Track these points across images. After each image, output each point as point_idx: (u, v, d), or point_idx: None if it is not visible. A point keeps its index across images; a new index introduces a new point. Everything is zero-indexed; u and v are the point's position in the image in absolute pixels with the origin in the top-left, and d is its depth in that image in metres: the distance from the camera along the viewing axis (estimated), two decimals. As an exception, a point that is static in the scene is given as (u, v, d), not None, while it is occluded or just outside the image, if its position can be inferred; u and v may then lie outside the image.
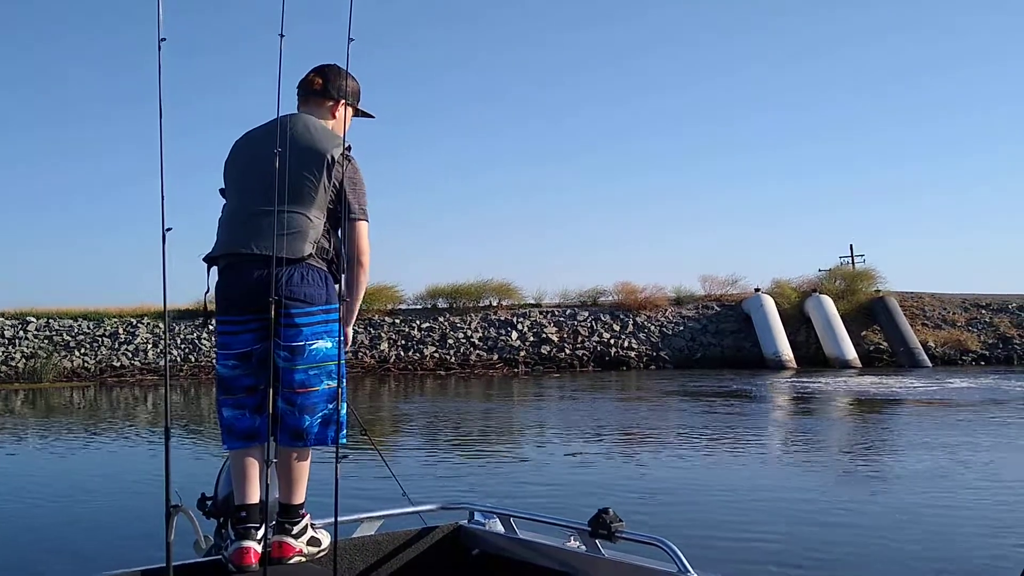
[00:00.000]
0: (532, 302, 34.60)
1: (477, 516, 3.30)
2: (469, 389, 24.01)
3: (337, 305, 2.97)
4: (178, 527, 2.47)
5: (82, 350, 30.99)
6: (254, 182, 2.96)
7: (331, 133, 3.04)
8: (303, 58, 3.24)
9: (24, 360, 30.17)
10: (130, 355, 30.67)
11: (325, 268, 2.99)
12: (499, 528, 3.20)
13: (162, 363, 29.93)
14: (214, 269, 3.06)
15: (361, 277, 3.09)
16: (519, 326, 32.50)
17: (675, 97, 61.62)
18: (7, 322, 31.94)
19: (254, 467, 2.91)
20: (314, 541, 2.95)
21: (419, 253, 55.13)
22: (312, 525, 2.98)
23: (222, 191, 3.14)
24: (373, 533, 3.15)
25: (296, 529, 2.91)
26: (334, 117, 3.16)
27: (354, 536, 3.10)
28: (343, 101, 3.16)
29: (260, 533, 2.81)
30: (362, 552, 3.05)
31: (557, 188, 60.45)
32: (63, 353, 30.63)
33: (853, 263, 37.03)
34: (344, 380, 2.97)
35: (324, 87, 3.14)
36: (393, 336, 32.08)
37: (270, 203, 2.81)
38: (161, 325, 30.84)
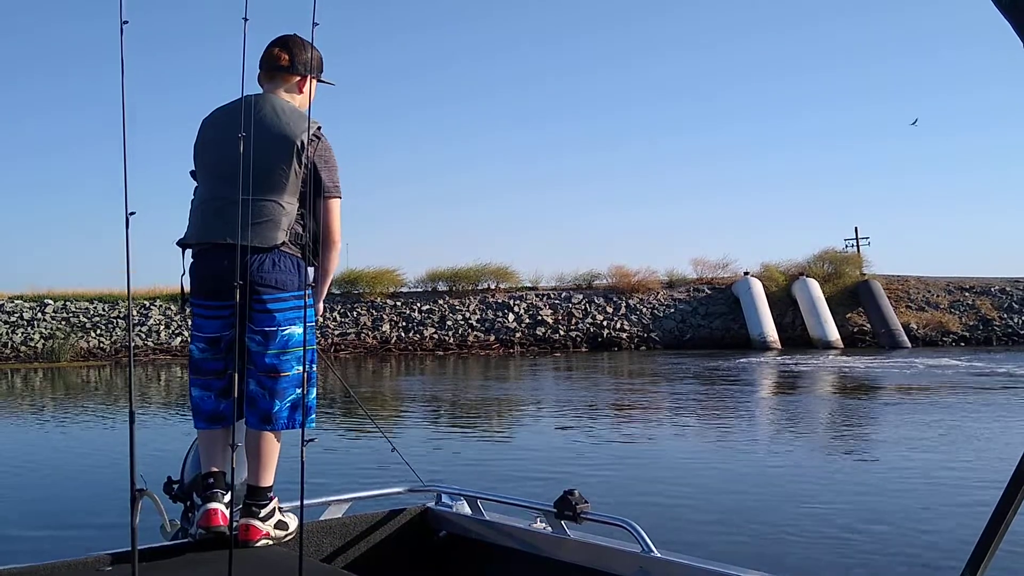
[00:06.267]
0: (529, 285, 34.54)
1: (444, 498, 3.21)
2: (467, 369, 23.95)
3: (309, 291, 2.86)
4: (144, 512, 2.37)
5: (98, 331, 30.96)
6: (224, 168, 2.83)
7: (299, 115, 2.88)
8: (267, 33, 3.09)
9: (42, 341, 30.16)
10: (143, 336, 30.60)
11: (299, 254, 2.89)
12: (466, 510, 3.12)
13: (174, 343, 29.87)
14: (188, 251, 2.96)
15: (332, 254, 3.00)
16: (516, 308, 32.42)
17: (678, 77, 60.76)
18: (26, 304, 31.91)
19: (221, 444, 2.83)
20: (281, 524, 2.85)
21: (420, 237, 55.00)
22: (280, 508, 2.88)
23: (193, 173, 3.02)
24: (341, 516, 3.06)
25: (263, 512, 2.81)
26: (301, 92, 3.01)
27: (322, 519, 3.01)
28: (309, 75, 3.01)
29: (227, 498, 2.72)
30: (329, 535, 2.96)
31: (558, 172, 60.03)
32: (79, 334, 30.60)
33: (858, 246, 36.54)
34: (314, 366, 2.88)
35: (291, 63, 2.98)
36: (394, 318, 32.03)
37: (239, 191, 2.69)
38: (173, 307, 30.76)
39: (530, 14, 63.15)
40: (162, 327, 30.87)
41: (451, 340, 31.12)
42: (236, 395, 2.68)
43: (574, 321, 31.99)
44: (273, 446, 2.86)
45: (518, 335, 31.36)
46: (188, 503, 2.83)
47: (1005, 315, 31.97)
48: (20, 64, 55.65)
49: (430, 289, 34.17)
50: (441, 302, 32.84)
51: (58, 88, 56.74)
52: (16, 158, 53.72)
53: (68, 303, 32.16)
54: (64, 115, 57.29)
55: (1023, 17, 1.16)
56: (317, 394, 3.00)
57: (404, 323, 31.89)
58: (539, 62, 62.48)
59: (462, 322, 31.94)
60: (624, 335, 31.38)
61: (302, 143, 2.83)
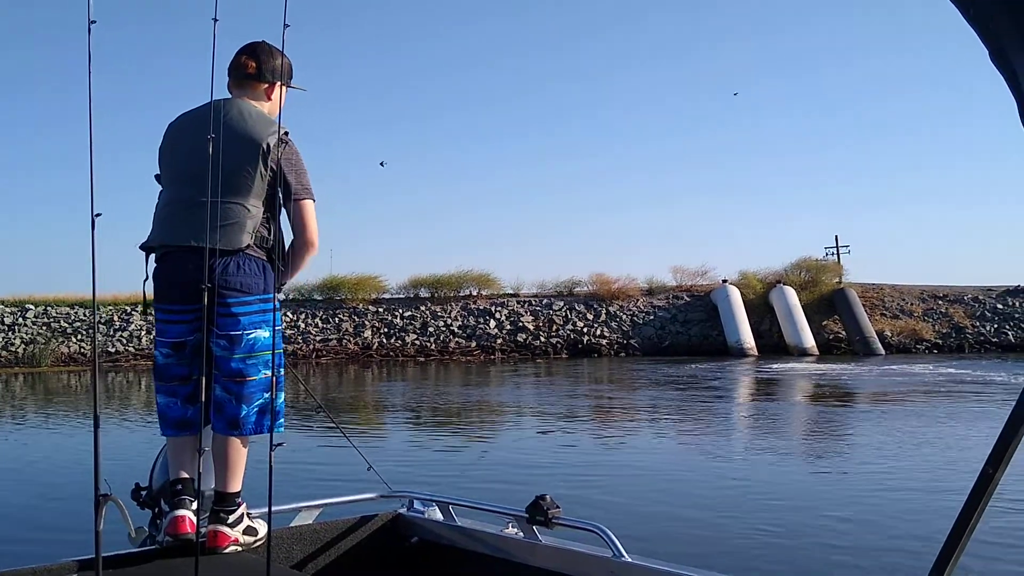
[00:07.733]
0: (510, 292, 34.45)
1: (416, 504, 3.16)
2: (448, 375, 23.87)
3: (273, 295, 2.80)
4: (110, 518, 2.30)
5: (79, 336, 30.61)
6: (189, 171, 2.78)
7: (266, 119, 2.85)
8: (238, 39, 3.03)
9: (23, 346, 29.83)
10: (124, 341, 30.33)
11: (264, 257, 2.83)
12: (438, 516, 3.07)
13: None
14: (152, 256, 2.89)
15: (306, 255, 2.95)
16: (497, 315, 32.37)
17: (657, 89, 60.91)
18: (6, 309, 31.54)
19: (189, 450, 2.77)
20: (250, 530, 2.79)
21: (402, 244, 54.80)
22: (249, 515, 2.82)
23: (157, 177, 2.96)
24: (311, 522, 3.00)
25: (232, 518, 2.75)
26: (270, 99, 2.95)
27: (291, 525, 2.95)
28: (278, 82, 2.96)
29: (195, 505, 2.66)
30: (299, 541, 2.90)
31: (539, 178, 60.03)
32: (60, 339, 30.27)
33: (839, 254, 36.62)
34: (281, 370, 2.82)
35: (258, 70, 2.93)
36: (376, 324, 31.90)
37: (205, 193, 2.63)
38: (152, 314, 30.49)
39: (511, 25, 63.26)
40: (143, 332, 30.56)
41: (433, 346, 31.02)
42: (204, 400, 2.62)
43: (555, 328, 31.97)
44: (240, 452, 2.80)
45: (499, 341, 31.31)
46: (156, 510, 2.76)
47: (977, 323, 32.24)
48: (20, 71, 55.16)
49: (412, 296, 34.04)
50: (423, 308, 32.74)
51: (59, 96, 56.20)
52: (15, 167, 53.21)
53: (49, 308, 31.81)
54: (62, 122, 56.77)
55: (986, 26, 1.14)
56: (287, 400, 2.94)
57: (386, 329, 31.76)
58: (521, 71, 62.60)
59: (444, 328, 31.84)
60: (604, 342, 31.39)
61: (268, 146, 2.77)
